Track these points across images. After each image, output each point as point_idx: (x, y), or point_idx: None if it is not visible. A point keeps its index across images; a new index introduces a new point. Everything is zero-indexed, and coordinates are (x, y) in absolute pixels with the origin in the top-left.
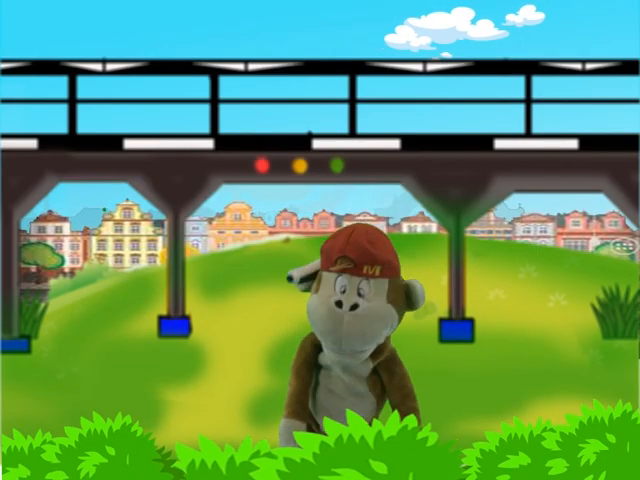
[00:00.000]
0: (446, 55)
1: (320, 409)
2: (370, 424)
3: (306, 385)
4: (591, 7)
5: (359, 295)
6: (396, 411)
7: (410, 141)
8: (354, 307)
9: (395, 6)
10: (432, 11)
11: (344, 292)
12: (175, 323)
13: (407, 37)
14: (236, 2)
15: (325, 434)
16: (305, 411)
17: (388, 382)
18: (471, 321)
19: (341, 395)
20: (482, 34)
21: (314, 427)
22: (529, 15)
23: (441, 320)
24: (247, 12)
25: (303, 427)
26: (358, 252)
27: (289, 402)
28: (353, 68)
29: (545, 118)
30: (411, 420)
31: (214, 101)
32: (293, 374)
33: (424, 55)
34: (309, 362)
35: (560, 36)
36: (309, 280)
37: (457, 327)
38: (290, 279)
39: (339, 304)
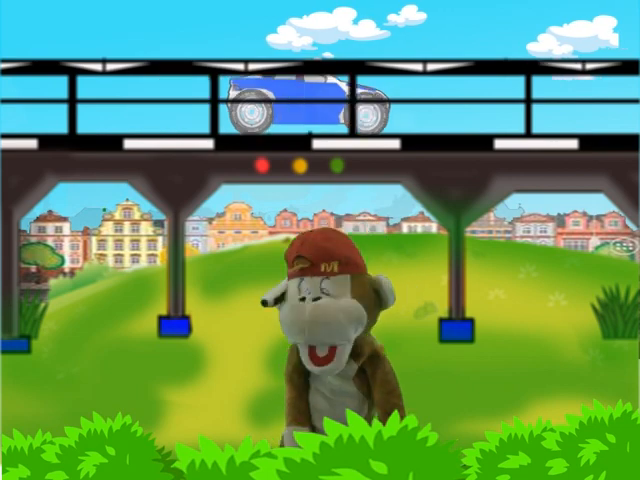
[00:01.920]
0: (328, 55)
1: (313, 411)
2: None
3: (300, 391)
4: (471, 7)
5: (323, 294)
6: (396, 412)
7: (410, 141)
8: (316, 299)
9: (277, 6)
10: (314, 11)
11: (309, 294)
12: (175, 323)
13: (289, 37)
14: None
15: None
16: (304, 415)
17: (372, 378)
18: (471, 321)
19: (329, 396)
20: (364, 34)
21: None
22: (411, 15)
23: (441, 320)
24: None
25: (306, 431)
26: (312, 250)
27: (287, 411)
28: (353, 68)
29: (545, 118)
30: (411, 420)
31: (214, 101)
32: (286, 383)
33: (305, 55)
34: (299, 368)
35: (442, 36)
36: (283, 300)
37: (457, 327)
38: (264, 304)
39: (302, 300)
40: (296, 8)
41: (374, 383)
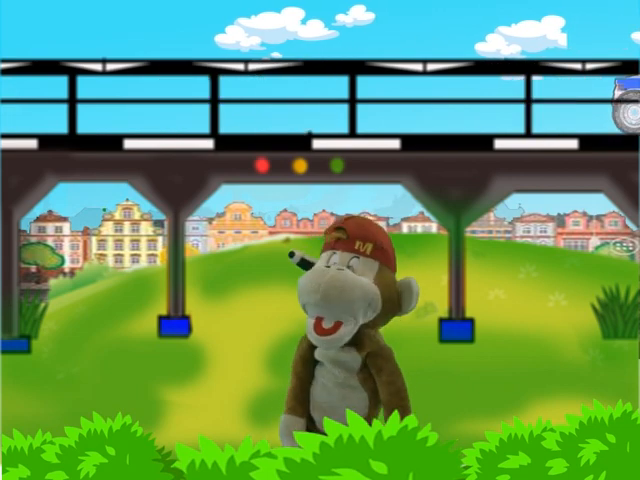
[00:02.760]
0: (276, 55)
1: (315, 404)
2: (364, 419)
3: (302, 381)
4: (420, 7)
5: (348, 268)
6: (396, 412)
7: (410, 141)
8: (341, 269)
9: (225, 6)
10: (262, 11)
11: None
12: (175, 323)
13: (237, 37)
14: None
15: (320, 430)
16: (302, 407)
17: (377, 378)
18: (471, 321)
19: (332, 389)
20: (312, 34)
21: (309, 423)
22: (359, 15)
23: (441, 320)
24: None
25: (301, 422)
26: (353, 226)
27: (287, 399)
28: (353, 68)
29: (545, 118)
30: (411, 420)
31: (214, 101)
32: (291, 371)
33: (253, 55)
34: (305, 358)
35: (391, 35)
36: (305, 267)
37: (457, 327)
38: (292, 255)
39: (327, 267)
40: (244, 8)
41: (380, 384)
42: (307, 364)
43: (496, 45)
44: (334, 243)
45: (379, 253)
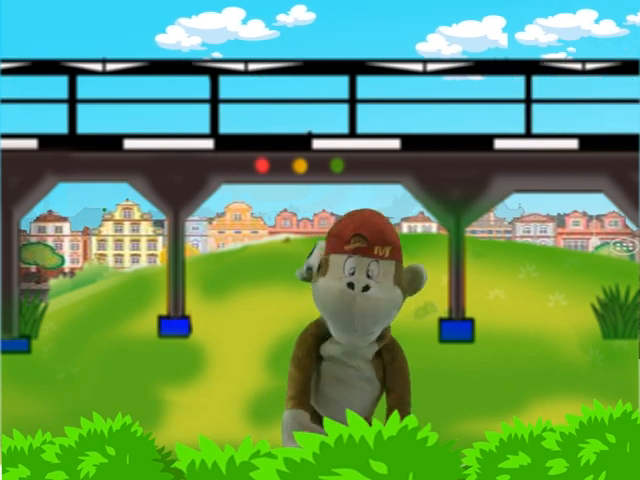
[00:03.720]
0: (217, 55)
1: (327, 401)
2: (373, 411)
3: (309, 377)
4: (362, 8)
5: (368, 277)
6: (396, 412)
7: (410, 141)
8: (366, 288)
9: (166, 6)
10: (203, 11)
11: (353, 274)
12: (175, 323)
13: (178, 37)
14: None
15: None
16: (309, 402)
17: (389, 364)
18: (471, 321)
19: (350, 382)
20: (253, 34)
21: (316, 420)
22: (300, 15)
23: (441, 320)
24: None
25: (309, 417)
26: (372, 231)
27: (295, 393)
28: (353, 68)
29: (545, 118)
30: (411, 420)
31: (214, 101)
32: (295, 365)
33: (194, 55)
34: (311, 354)
35: (331, 35)
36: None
37: (457, 327)
38: (310, 269)
39: (351, 286)
40: (185, 8)
41: (392, 370)
42: (313, 360)
43: (437, 45)
44: (352, 250)
45: (395, 253)
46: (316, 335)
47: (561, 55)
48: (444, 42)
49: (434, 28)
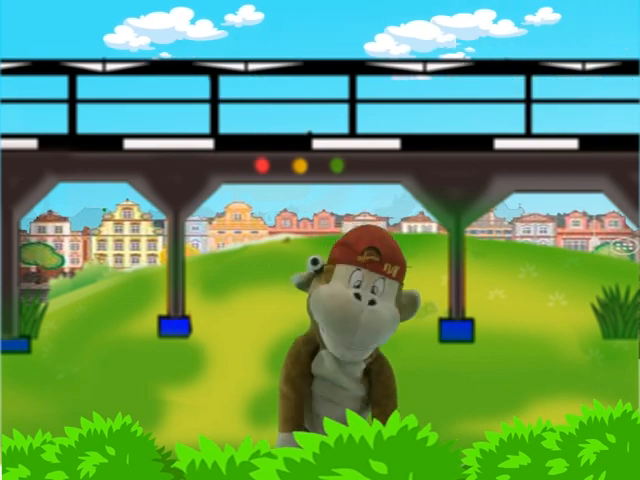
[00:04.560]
0: (165, 55)
1: (318, 420)
2: None
3: (303, 398)
4: (310, 7)
5: (372, 293)
6: (396, 412)
7: (410, 141)
8: (372, 303)
9: (114, 6)
10: (151, 11)
11: (358, 287)
12: (175, 323)
13: (126, 37)
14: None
15: None
16: (303, 425)
17: (376, 378)
18: (471, 321)
19: (340, 402)
20: (202, 34)
21: None
22: (249, 15)
23: (441, 320)
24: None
25: None
26: (386, 248)
27: (288, 416)
28: (353, 68)
29: (545, 118)
30: (411, 420)
31: (214, 101)
32: (288, 385)
33: (143, 55)
34: (304, 374)
35: (280, 35)
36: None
37: (457, 327)
38: (315, 262)
39: (358, 297)
40: (133, 8)
41: (377, 383)
42: (306, 380)
43: (385, 45)
44: (366, 262)
45: (401, 274)
46: (309, 353)
47: (459, 55)
48: (392, 42)
49: (382, 28)
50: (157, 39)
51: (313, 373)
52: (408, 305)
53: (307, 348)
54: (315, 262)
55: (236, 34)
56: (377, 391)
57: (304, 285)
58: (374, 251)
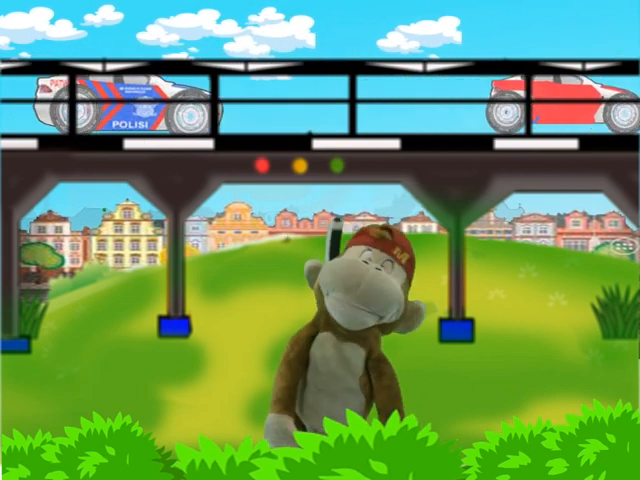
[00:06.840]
0: (24, 55)
1: (310, 411)
2: None
3: (297, 380)
4: (192, 6)
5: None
6: (396, 412)
7: (410, 141)
8: (378, 269)
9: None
10: (10, 11)
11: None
12: (175, 323)
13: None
14: None
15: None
16: (294, 407)
17: (377, 382)
18: (471, 321)
19: (333, 394)
20: (61, 34)
21: (298, 428)
22: (108, 15)
23: (441, 320)
24: None
25: (292, 423)
26: (399, 234)
27: (280, 397)
28: (353, 68)
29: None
30: (411, 420)
31: (214, 101)
32: (285, 366)
33: (2, 55)
34: (302, 356)
35: (136, 34)
36: (334, 243)
37: (457, 327)
38: (338, 220)
39: (365, 262)
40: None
41: (379, 387)
42: (303, 364)
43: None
44: (374, 241)
45: (410, 267)
46: (309, 336)
47: (183, 55)
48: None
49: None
50: (17, 39)
51: (311, 357)
52: (413, 314)
53: (307, 332)
54: (337, 220)
55: (95, 34)
56: (381, 396)
57: (313, 271)
58: (387, 231)
